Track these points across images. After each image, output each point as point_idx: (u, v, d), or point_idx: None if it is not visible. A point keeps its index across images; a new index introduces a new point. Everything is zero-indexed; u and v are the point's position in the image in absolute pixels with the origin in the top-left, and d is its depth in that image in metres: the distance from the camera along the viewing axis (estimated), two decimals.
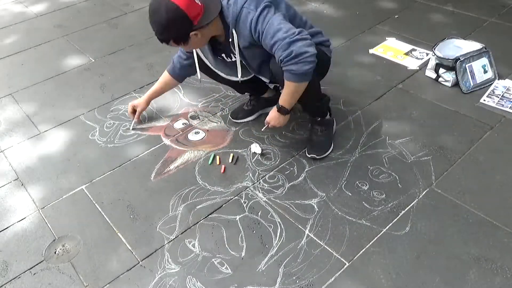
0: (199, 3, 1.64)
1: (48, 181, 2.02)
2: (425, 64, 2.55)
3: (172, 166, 2.03)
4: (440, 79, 2.41)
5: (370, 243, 1.63)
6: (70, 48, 3.09)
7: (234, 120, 2.27)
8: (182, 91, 2.53)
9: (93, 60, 2.91)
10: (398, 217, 1.72)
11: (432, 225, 1.68)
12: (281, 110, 1.82)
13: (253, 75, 2.00)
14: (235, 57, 1.87)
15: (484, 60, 2.38)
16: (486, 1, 3.23)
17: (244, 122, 2.27)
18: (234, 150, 2.08)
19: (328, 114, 2.09)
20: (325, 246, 1.63)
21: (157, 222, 1.77)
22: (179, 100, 2.47)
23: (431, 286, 1.48)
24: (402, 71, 2.55)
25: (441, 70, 2.38)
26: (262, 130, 2.07)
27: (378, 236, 1.65)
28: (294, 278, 1.54)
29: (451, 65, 2.33)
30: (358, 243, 1.63)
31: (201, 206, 1.83)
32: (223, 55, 1.92)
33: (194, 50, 1.94)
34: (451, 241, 1.62)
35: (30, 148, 2.22)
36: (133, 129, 2.27)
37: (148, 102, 2.27)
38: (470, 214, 1.71)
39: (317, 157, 1.99)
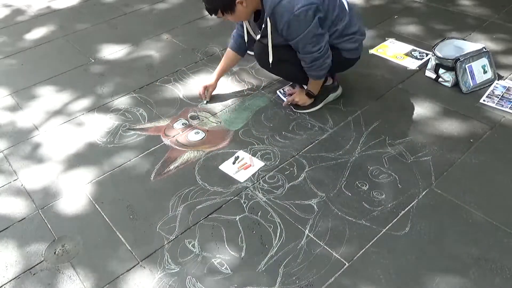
0: None
1: (48, 181, 2.02)
2: (425, 64, 2.55)
3: (172, 166, 2.03)
4: (439, 79, 2.41)
5: (370, 243, 1.63)
6: (70, 48, 3.09)
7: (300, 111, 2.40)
8: (182, 91, 2.53)
9: (93, 60, 2.91)
10: (398, 217, 1.72)
11: (432, 225, 1.68)
12: (309, 94, 2.24)
13: None
14: (258, 36, 2.10)
15: (484, 61, 2.38)
16: (486, 1, 3.24)
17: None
18: (235, 150, 2.08)
19: (330, 80, 2.32)
20: (325, 246, 1.63)
21: (157, 222, 1.77)
22: (179, 100, 2.47)
23: (431, 286, 1.49)
24: (402, 71, 2.55)
25: (441, 71, 2.38)
26: (284, 105, 2.32)
27: (378, 236, 1.65)
28: (294, 278, 1.54)
29: (451, 65, 2.33)
30: (358, 243, 1.63)
31: (201, 206, 1.83)
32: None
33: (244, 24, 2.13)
34: (451, 241, 1.62)
35: (30, 148, 2.22)
36: (133, 128, 2.28)
37: (217, 81, 2.43)
38: (470, 214, 1.71)
39: (294, 109, 2.30)
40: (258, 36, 2.09)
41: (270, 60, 2.11)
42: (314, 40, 1.93)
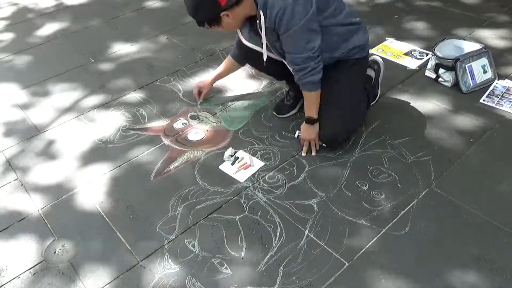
0: None
1: (48, 181, 2.02)
2: (425, 64, 2.55)
3: (172, 166, 2.03)
4: (439, 79, 2.41)
5: (370, 243, 1.63)
6: (70, 48, 3.09)
7: (280, 116, 2.29)
8: (182, 91, 2.53)
9: (93, 60, 2.91)
10: (398, 217, 1.72)
11: (432, 225, 1.68)
12: (308, 120, 1.98)
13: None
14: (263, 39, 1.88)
15: (484, 60, 2.38)
16: (486, 1, 3.24)
17: (290, 116, 2.29)
18: (235, 150, 2.08)
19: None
20: (325, 246, 1.63)
21: (157, 222, 1.77)
22: (179, 100, 2.47)
23: (431, 286, 1.49)
24: (402, 71, 2.55)
25: (441, 70, 2.38)
26: (303, 154, 2.02)
27: (378, 236, 1.65)
28: (294, 278, 1.54)
29: (451, 65, 2.33)
30: (358, 243, 1.63)
31: (200, 206, 1.83)
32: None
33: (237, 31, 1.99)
34: (451, 241, 1.62)
35: (30, 148, 2.22)
36: (129, 128, 2.28)
37: (212, 84, 2.39)
38: (470, 214, 1.71)
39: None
40: (263, 39, 1.86)
41: (264, 58, 1.93)
42: (308, 36, 1.75)
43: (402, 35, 2.89)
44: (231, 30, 1.91)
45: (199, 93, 2.39)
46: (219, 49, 2.89)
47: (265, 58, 1.93)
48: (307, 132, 2.01)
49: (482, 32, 2.85)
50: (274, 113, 2.30)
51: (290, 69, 1.92)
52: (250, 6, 1.76)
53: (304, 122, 2.01)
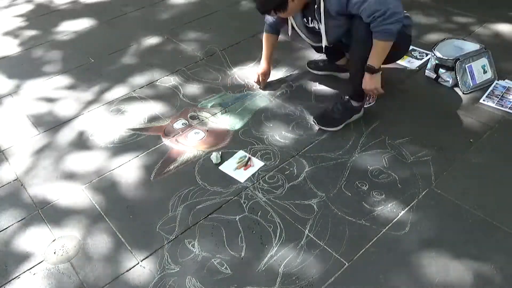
0: None
1: (48, 181, 2.02)
2: (425, 64, 2.55)
3: (171, 166, 2.03)
4: (439, 79, 2.41)
5: (370, 243, 1.63)
6: (70, 48, 3.09)
7: (308, 67, 2.57)
8: (182, 91, 2.54)
9: (93, 60, 2.91)
10: (397, 217, 1.72)
11: (432, 225, 1.68)
12: (369, 69, 1.95)
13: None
14: (316, 24, 2.03)
15: (484, 60, 2.38)
16: (485, 1, 3.24)
17: (314, 73, 2.54)
18: (235, 150, 2.08)
19: (357, 102, 2.15)
20: (325, 247, 1.63)
21: (157, 222, 1.77)
22: (179, 100, 2.47)
23: (431, 286, 1.49)
24: (402, 71, 2.55)
25: (441, 71, 2.38)
26: (370, 103, 2.25)
27: (378, 236, 1.65)
28: (294, 278, 1.54)
29: (451, 65, 2.33)
30: (358, 243, 1.63)
31: (200, 206, 1.83)
32: (305, 19, 2.07)
33: None
34: (451, 241, 1.62)
35: (30, 148, 2.22)
36: (133, 129, 2.28)
37: (270, 67, 2.48)
38: (470, 214, 1.71)
39: (317, 125, 2.16)
40: (313, 24, 2.06)
41: (323, 43, 2.05)
42: None
43: None
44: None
45: (262, 80, 2.46)
46: (219, 49, 2.89)
47: (324, 44, 2.06)
48: (367, 83, 1.99)
49: (482, 31, 2.85)
50: (306, 65, 2.57)
51: (369, 14, 1.80)
52: None
53: (366, 73, 1.97)
